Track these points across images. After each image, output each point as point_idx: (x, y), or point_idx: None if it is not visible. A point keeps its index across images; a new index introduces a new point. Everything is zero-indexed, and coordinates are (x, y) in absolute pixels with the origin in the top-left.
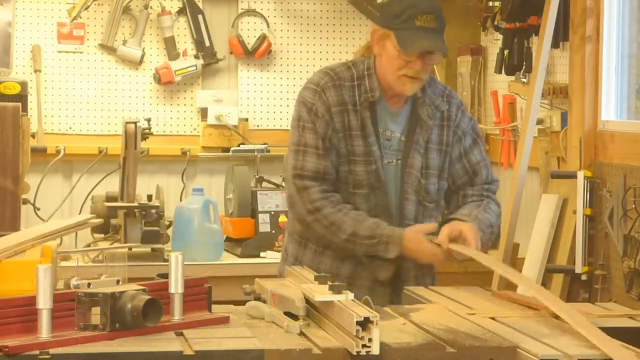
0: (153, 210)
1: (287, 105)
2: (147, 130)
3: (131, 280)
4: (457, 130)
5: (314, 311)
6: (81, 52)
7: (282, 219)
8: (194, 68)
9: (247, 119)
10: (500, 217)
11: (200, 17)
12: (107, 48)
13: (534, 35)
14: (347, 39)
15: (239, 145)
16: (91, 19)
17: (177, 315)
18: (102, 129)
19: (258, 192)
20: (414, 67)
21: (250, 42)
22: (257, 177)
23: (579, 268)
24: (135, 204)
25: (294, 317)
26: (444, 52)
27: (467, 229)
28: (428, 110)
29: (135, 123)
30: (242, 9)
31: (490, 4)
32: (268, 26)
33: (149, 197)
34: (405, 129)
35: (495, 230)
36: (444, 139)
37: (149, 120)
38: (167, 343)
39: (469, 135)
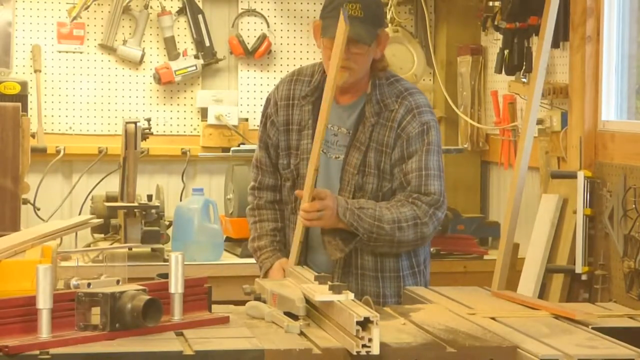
0: (153, 210)
1: None
2: (147, 130)
3: (131, 280)
4: (401, 133)
5: (314, 311)
6: (81, 52)
7: None
8: (194, 68)
9: (247, 119)
10: (411, 222)
11: (200, 17)
12: (107, 48)
13: (534, 35)
14: None
15: (239, 145)
16: (91, 19)
17: (177, 315)
18: (102, 129)
19: None
20: None
21: (250, 42)
22: None
23: (579, 268)
24: (135, 204)
25: (294, 317)
26: (362, 40)
27: (328, 196)
28: (374, 107)
29: (135, 123)
30: (242, 9)
31: (490, 4)
32: (268, 26)
33: (149, 197)
34: (353, 126)
35: (386, 227)
36: (384, 139)
37: (149, 120)
38: (167, 343)
39: (415, 142)
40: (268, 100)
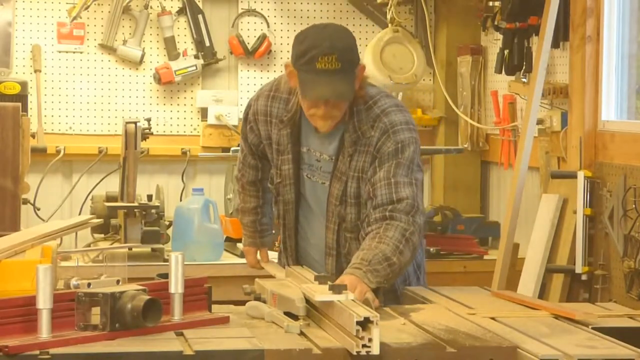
0: (153, 210)
1: None
2: (147, 130)
3: (131, 280)
4: (376, 154)
5: (314, 311)
6: (81, 52)
7: None
8: (194, 68)
9: None
10: (403, 241)
11: (200, 17)
12: (107, 48)
13: (534, 35)
14: None
15: (239, 145)
16: (91, 19)
17: (177, 315)
18: (102, 129)
19: None
20: (320, 108)
21: (250, 42)
22: None
23: (579, 268)
24: (135, 204)
25: (294, 317)
26: (340, 97)
27: (350, 283)
28: (352, 136)
29: (135, 123)
30: (242, 9)
31: (490, 4)
32: (268, 26)
33: (149, 197)
34: (334, 153)
35: (394, 261)
36: (360, 165)
37: (149, 120)
38: (167, 343)
39: (389, 158)
40: (249, 105)
